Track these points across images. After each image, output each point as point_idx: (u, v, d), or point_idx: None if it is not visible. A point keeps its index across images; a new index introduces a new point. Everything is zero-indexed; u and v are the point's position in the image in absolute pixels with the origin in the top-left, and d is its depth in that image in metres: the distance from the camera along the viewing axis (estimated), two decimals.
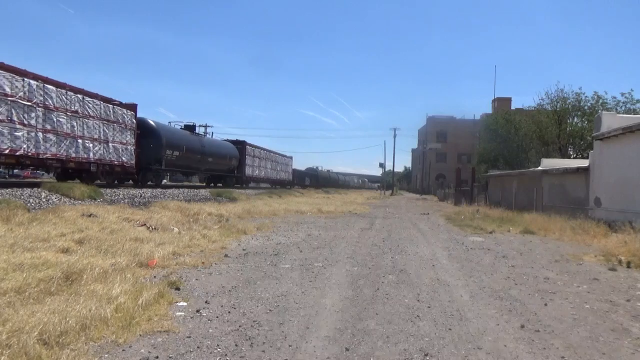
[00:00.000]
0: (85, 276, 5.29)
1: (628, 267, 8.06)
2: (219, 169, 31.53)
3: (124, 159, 19.35)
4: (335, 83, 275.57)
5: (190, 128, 28.42)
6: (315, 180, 65.36)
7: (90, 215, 10.39)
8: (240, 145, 35.58)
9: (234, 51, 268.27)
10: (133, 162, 20.08)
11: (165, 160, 23.39)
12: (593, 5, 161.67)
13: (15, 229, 7.98)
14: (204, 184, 33.49)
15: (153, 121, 23.24)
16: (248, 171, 36.36)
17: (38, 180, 20.92)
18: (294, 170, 53.99)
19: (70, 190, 13.68)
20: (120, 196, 15.72)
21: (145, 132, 21.67)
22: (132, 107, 20.47)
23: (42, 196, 12.49)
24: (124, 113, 19.58)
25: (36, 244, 6.91)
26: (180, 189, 22.64)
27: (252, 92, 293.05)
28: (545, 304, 5.38)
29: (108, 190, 16.01)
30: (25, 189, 12.78)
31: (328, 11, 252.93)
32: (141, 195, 16.98)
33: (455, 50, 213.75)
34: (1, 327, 3.41)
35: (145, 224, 10.40)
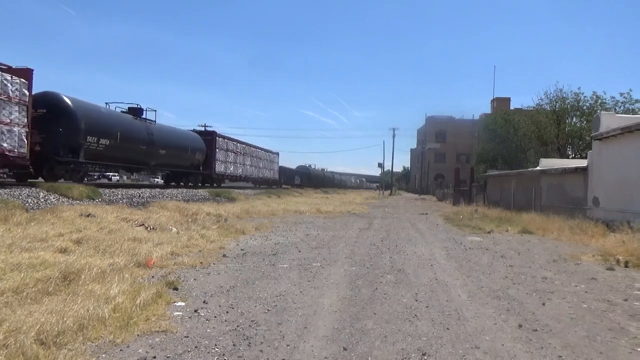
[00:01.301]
0: (83, 276, 5.29)
1: (626, 266, 8.08)
2: (178, 164, 25.23)
3: (5, 145, 13.32)
4: (335, 83, 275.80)
5: (134, 111, 21.64)
6: (307, 180, 60.28)
7: (88, 215, 10.38)
8: (209, 136, 29.24)
9: (234, 51, 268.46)
10: (25, 150, 14.06)
11: (85, 151, 17.48)
12: (593, 5, 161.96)
13: (13, 229, 7.97)
14: (163, 183, 29.36)
15: (68, 97, 17.12)
16: (219, 168, 30.25)
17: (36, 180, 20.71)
18: (283, 169, 49.67)
19: (68, 190, 13.67)
20: (119, 196, 15.70)
21: (54, 112, 16.24)
22: (24, 74, 14.34)
23: (40, 196, 12.48)
24: (5, 80, 13.38)
25: (34, 244, 6.90)
26: (179, 189, 22.56)
27: (252, 92, 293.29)
28: (543, 304, 5.38)
29: (107, 190, 15.99)
30: (23, 188, 12.77)
31: (328, 11, 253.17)
32: (140, 195, 16.97)
33: (454, 50, 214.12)
34: None
35: (143, 224, 10.40)
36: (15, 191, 12.12)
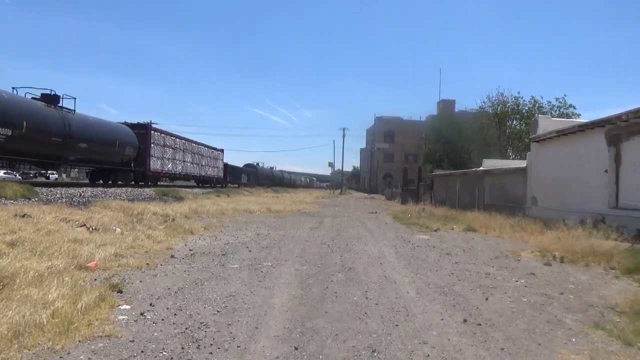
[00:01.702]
0: (18, 280, 4.99)
1: (562, 262, 8.55)
2: (103, 159, 22.50)
3: None
4: (285, 82, 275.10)
5: (48, 98, 18.38)
6: (255, 178, 57.93)
7: (24, 216, 9.80)
8: (142, 130, 26.23)
9: (183, 47, 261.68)
10: None
11: None
12: (532, 12, 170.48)
13: None
14: (87, 181, 26.25)
15: None
16: (155, 164, 27.45)
17: None
18: (229, 167, 46.85)
19: (1, 189, 12.85)
20: (58, 195, 14.93)
21: None
22: None
23: None
24: None
25: None
26: (123, 188, 21.73)
27: (200, 90, 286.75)
28: (487, 299, 5.60)
29: (44, 189, 15.16)
30: None
31: (278, 9, 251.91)
32: (80, 195, 16.21)
33: (403, 51, 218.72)
34: None
35: (85, 225, 9.93)
36: None
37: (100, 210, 12.93)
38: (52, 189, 15.93)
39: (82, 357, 3.34)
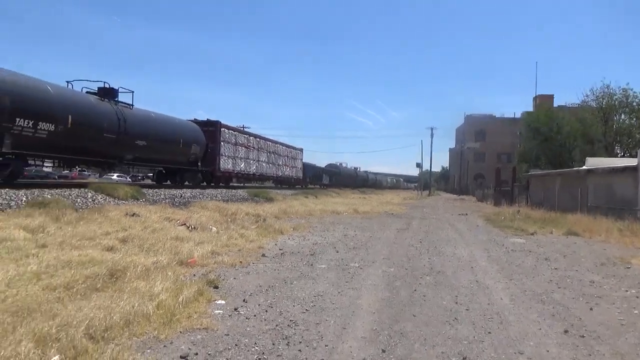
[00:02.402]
0: (128, 274, 5.48)
1: None
2: (165, 159, 20.81)
3: None
4: (372, 83, 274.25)
5: (103, 92, 16.88)
6: (338, 179, 55.35)
7: (133, 215, 10.73)
8: (211, 127, 24.44)
9: (265, 52, 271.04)
10: None
11: (13, 138, 12.69)
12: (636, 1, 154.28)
13: (64, 227, 8.33)
14: (152, 181, 24.89)
15: None
16: (225, 164, 25.73)
17: (85, 181, 21.32)
18: (308, 166, 44.85)
19: (114, 190, 14.17)
20: (162, 196, 16.16)
21: None
22: None
23: (89, 196, 12.99)
24: None
25: (83, 242, 7.20)
26: (218, 189, 22.98)
27: (286, 95, 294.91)
28: (591, 309, 5.18)
29: (150, 191, 16.49)
30: (73, 189, 13.32)
31: (363, 10, 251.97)
32: (181, 196, 17.40)
33: (493, 47, 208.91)
34: (51, 322, 3.57)
35: (185, 224, 10.66)
36: (65, 191, 12.66)
37: (198, 210, 13.79)
38: (157, 190, 17.28)
39: (183, 347, 3.60)
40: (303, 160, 42.52)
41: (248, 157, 29.06)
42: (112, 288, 4.95)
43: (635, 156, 18.51)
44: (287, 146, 38.13)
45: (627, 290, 6.20)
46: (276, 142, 35.33)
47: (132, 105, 18.15)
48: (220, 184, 26.05)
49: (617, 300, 5.62)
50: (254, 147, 30.08)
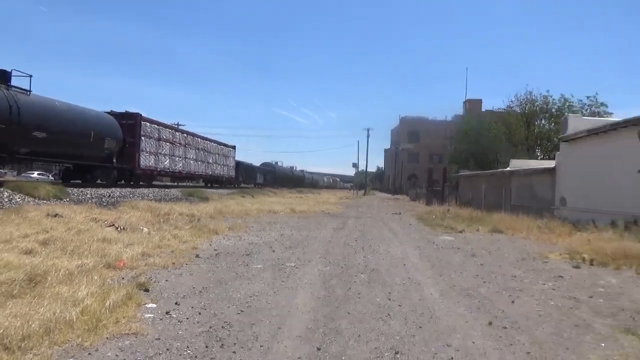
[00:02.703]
0: (49, 278, 5.14)
1: (591, 264, 8.34)
2: (74, 154, 18.47)
3: None
4: (309, 82, 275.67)
5: None
6: (273, 178, 54.22)
7: (55, 216, 10.10)
8: (130, 120, 22.34)
9: (203, 47, 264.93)
10: None
11: None
12: (561, 9, 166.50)
13: None
14: (57, 179, 22.76)
15: None
16: (146, 161, 23.53)
17: (1, 179, 19.69)
18: (242, 165, 43.70)
19: (34, 189, 13.27)
20: (88, 195, 15.34)
21: None
22: None
23: (5, 196, 12.08)
24: None
25: None
26: (150, 189, 22.16)
27: (223, 91, 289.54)
28: (513, 302, 5.51)
29: (75, 190, 15.60)
30: None
31: (303, 10, 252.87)
32: (110, 195, 16.61)
33: (428, 51, 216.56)
34: None
35: (113, 224, 10.17)
36: None
37: (128, 211, 13.22)
38: (82, 189, 16.37)
39: (109, 354, 3.42)
40: (236, 159, 41.36)
41: (174, 154, 27.11)
42: (31, 294, 4.62)
43: (554, 159, 19.89)
44: (219, 143, 36.53)
45: (544, 284, 6.65)
46: (206, 139, 33.50)
47: (30, 91, 15.80)
48: (141, 182, 23.96)
49: (535, 293, 6.02)
50: (180, 144, 28.25)
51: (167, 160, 26.17)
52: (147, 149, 23.83)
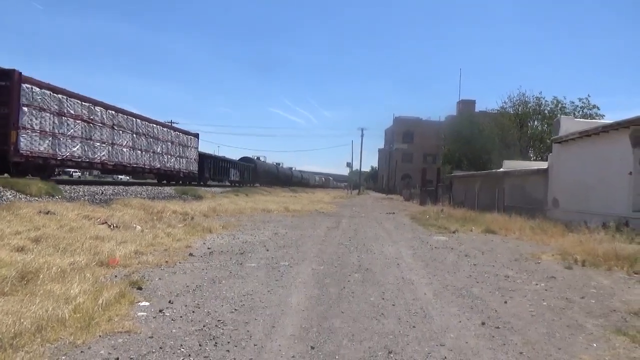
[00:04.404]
0: (41, 276, 5.10)
1: (583, 265, 8.39)
2: None
3: None
4: (304, 82, 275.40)
5: None
6: (252, 176, 46.66)
7: (47, 213, 10.02)
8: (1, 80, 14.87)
9: (199, 46, 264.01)
10: None
11: None
12: (555, 11, 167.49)
13: None
14: None
15: None
16: (32, 143, 15.85)
17: None
18: (209, 158, 36.55)
19: (26, 186, 13.16)
20: (80, 193, 15.24)
21: None
22: None
23: None
24: None
25: None
26: (143, 186, 22.07)
27: (218, 90, 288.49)
28: (505, 302, 5.53)
29: (67, 187, 15.50)
30: None
31: (298, 9, 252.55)
32: (102, 193, 16.51)
33: (422, 51, 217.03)
34: None
35: (106, 222, 10.12)
36: None
37: (121, 208, 13.15)
38: (75, 186, 16.26)
39: (102, 352, 3.40)
40: (200, 150, 33.23)
41: (91, 136, 19.33)
42: (23, 291, 4.58)
43: (546, 160, 20.01)
44: (174, 129, 28.98)
45: (537, 284, 6.69)
46: (152, 121, 25.35)
47: None
48: (29, 175, 16.28)
49: (528, 293, 6.05)
50: (104, 124, 20.33)
51: (78, 146, 18.53)
52: (36, 126, 16.04)
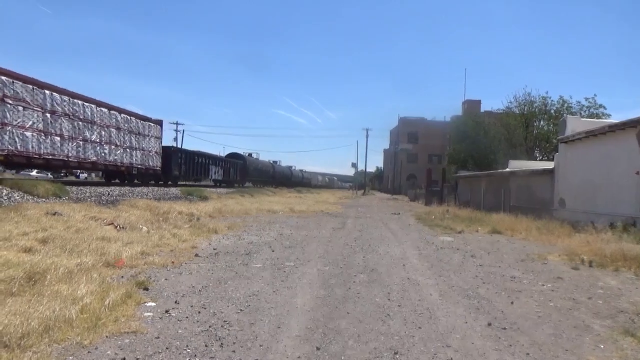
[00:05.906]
0: (49, 276, 5.13)
1: (590, 266, 8.33)
2: None
3: None
4: (309, 83, 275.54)
5: None
6: (242, 174, 41.21)
7: (55, 214, 10.08)
8: None
9: (202, 48, 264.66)
10: None
11: None
12: (560, 11, 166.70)
13: None
14: None
15: None
16: None
17: None
18: (179, 152, 30.77)
19: (34, 187, 13.26)
20: (87, 194, 15.32)
21: None
22: None
23: (3, 194, 12.06)
24: None
25: None
26: (149, 187, 22.16)
27: (221, 91, 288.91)
28: (512, 302, 5.51)
29: (74, 188, 15.58)
30: None
31: (302, 10, 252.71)
32: (109, 194, 16.60)
33: (427, 51, 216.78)
34: None
35: (112, 223, 10.16)
36: None
37: (127, 209, 13.21)
38: (82, 187, 16.36)
39: (109, 352, 3.42)
40: (163, 143, 27.31)
41: (13, 121, 14.85)
42: (30, 292, 4.62)
43: (552, 160, 19.90)
44: (121, 111, 22.26)
45: (543, 285, 6.65)
46: (82, 98, 19.05)
47: None
48: None
49: (535, 294, 6.02)
50: (23, 101, 15.37)
51: None
52: None
